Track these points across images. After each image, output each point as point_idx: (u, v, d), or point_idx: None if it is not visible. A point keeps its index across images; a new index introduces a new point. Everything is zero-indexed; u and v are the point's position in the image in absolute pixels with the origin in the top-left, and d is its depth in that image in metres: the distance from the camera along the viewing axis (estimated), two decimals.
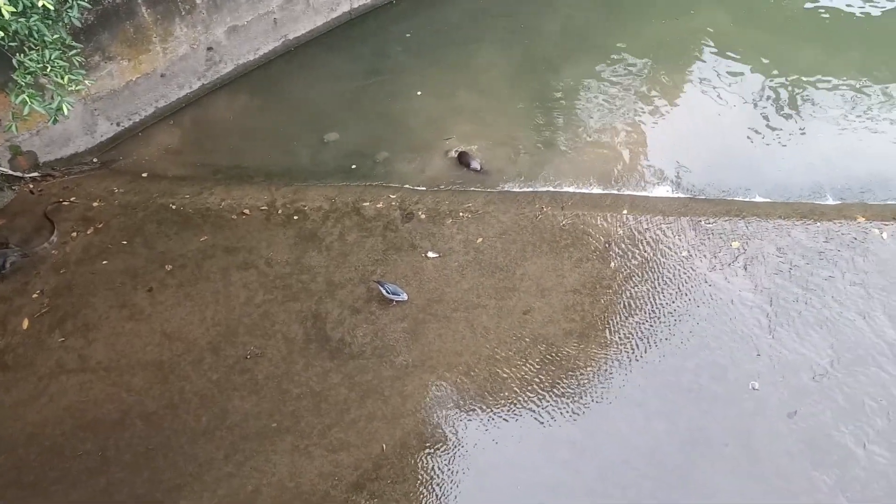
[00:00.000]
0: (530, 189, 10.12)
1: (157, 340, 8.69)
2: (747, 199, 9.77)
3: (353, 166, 10.52)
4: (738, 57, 11.54)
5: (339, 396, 8.18)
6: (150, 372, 8.44)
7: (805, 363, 8.13)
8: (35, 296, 9.11)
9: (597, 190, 10.03)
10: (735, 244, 9.16)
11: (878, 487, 7.30)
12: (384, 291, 8.74)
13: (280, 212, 9.88)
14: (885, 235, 9.05)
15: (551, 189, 10.07)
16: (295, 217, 9.81)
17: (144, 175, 10.53)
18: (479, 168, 10.25)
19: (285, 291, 8.99)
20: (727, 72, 11.37)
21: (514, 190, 10.12)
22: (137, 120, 10.98)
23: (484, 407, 8.04)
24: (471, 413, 8.01)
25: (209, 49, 11.19)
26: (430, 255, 9.28)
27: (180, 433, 7.98)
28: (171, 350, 8.61)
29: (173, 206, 9.97)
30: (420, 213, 9.76)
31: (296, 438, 7.90)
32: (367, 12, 12.46)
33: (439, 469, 7.68)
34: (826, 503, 7.26)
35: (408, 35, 12.10)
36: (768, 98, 10.95)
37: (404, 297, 8.75)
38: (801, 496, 7.32)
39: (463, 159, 10.34)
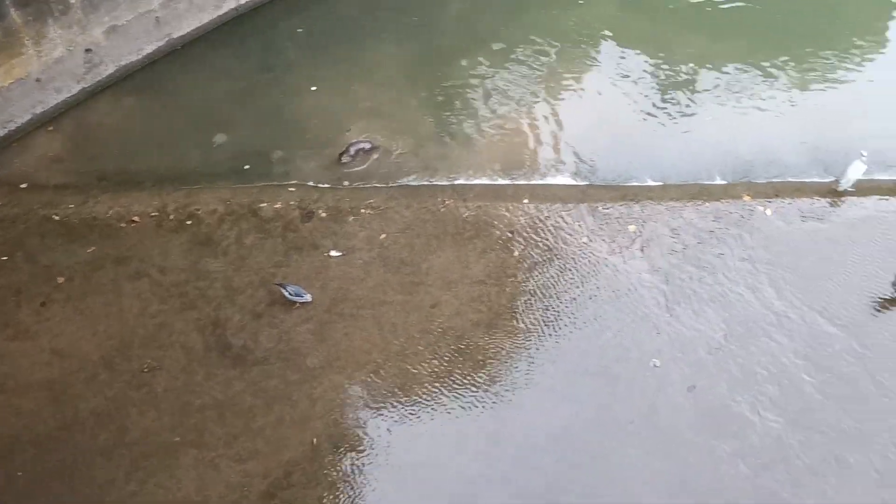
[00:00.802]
0: (432, 182, 10.11)
1: (47, 359, 8.27)
2: (641, 184, 10.08)
3: (247, 167, 10.24)
4: (629, 45, 11.86)
5: (245, 404, 7.97)
6: (40, 392, 8.03)
7: (701, 338, 8.46)
8: None
9: (498, 180, 10.12)
10: (632, 227, 9.44)
11: (773, 452, 7.66)
12: (286, 294, 8.55)
13: (172, 217, 9.52)
14: (769, 212, 9.53)
15: (453, 182, 10.10)
16: (188, 222, 9.48)
17: (24, 186, 9.96)
18: (368, 147, 10.19)
19: (182, 300, 8.69)
20: (619, 60, 11.66)
21: (416, 184, 10.09)
22: (13, 128, 10.36)
23: (396, 404, 8.00)
24: (383, 411, 7.95)
25: (88, 51, 10.65)
26: (333, 253, 9.14)
27: (77, 455, 7.64)
28: (63, 368, 8.21)
29: (57, 218, 9.47)
30: (321, 211, 9.60)
31: (200, 451, 7.66)
32: (256, 7, 12.14)
33: (353, 470, 7.60)
34: (727, 471, 7.57)
35: (300, 30, 11.87)
36: (658, 84, 11.31)
37: (308, 298, 8.59)
38: (704, 466, 7.61)
39: (350, 149, 10.25)
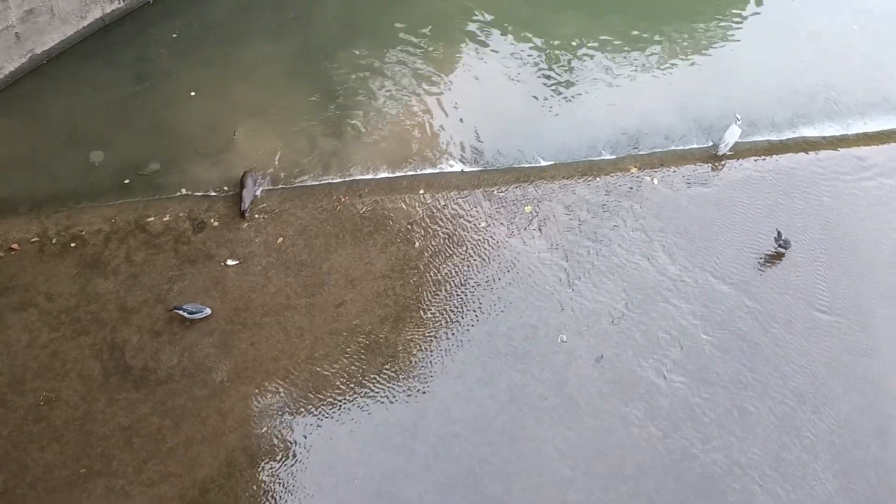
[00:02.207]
0: (325, 181, 9.95)
1: None
2: (533, 165, 10.25)
3: (126, 181, 9.78)
4: (508, 28, 11.97)
5: (152, 427, 7.71)
6: None
7: (604, 309, 8.73)
8: None
9: (391, 174, 10.06)
10: (528, 208, 9.60)
11: (680, 412, 8.03)
12: (185, 314, 8.28)
13: (54, 241, 9.02)
14: (655, 181, 9.88)
15: (346, 178, 9.97)
16: (72, 244, 9.01)
17: None
18: (262, 182, 9.73)
19: (73, 326, 8.29)
20: (501, 44, 11.75)
21: (309, 184, 9.91)
22: None
23: (310, 408, 7.90)
24: (297, 416, 7.84)
25: None
26: (230, 262, 8.91)
27: None
28: None
29: None
30: (212, 220, 9.31)
31: (109, 480, 7.39)
32: (124, 15, 11.51)
33: (272, 479, 7.48)
34: (639, 434, 7.90)
35: (174, 35, 11.34)
36: (541, 66, 11.48)
37: (207, 311, 8.36)
38: (617, 431, 7.90)
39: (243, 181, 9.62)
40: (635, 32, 11.88)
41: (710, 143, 10.34)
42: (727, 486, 7.62)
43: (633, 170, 10.02)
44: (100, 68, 10.91)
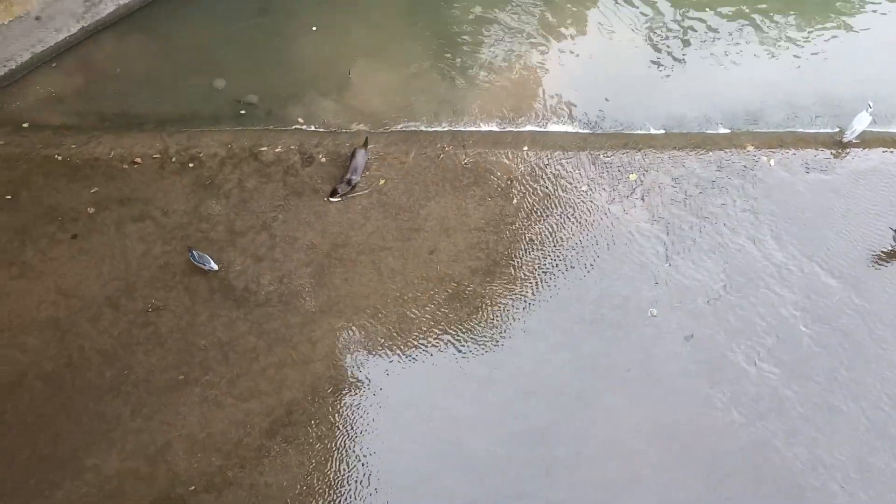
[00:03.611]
0: (431, 128, 9.99)
1: (52, 298, 8.36)
2: (644, 132, 9.97)
3: (243, 111, 10.10)
4: None
5: (247, 345, 8.11)
6: (46, 331, 8.14)
7: (700, 288, 8.52)
8: None
9: (497, 127, 10.00)
10: (633, 176, 9.39)
11: (768, 402, 7.82)
12: (193, 258, 8.49)
13: (174, 160, 9.48)
14: (772, 162, 9.45)
15: (453, 128, 9.99)
16: (190, 165, 9.44)
17: (25, 125, 9.87)
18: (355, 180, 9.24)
19: (185, 242, 8.72)
20: (624, 3, 11.40)
21: (415, 129, 9.98)
22: (14, 66, 10.21)
23: (393, 348, 8.13)
24: (380, 354, 8.09)
25: None
26: (333, 199, 9.12)
27: (83, 391, 7.81)
28: (68, 307, 8.30)
29: (59, 158, 9.43)
30: (321, 156, 9.55)
31: (204, 389, 7.84)
32: None
33: (352, 410, 7.79)
34: (721, 418, 7.74)
35: None
36: (664, 30, 11.03)
37: (213, 266, 8.47)
38: (699, 413, 7.78)
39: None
40: (771, 1, 11.25)
41: (836, 129, 9.74)
42: (806, 483, 7.41)
43: (749, 147, 9.60)
44: None
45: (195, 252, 8.49)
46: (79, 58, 10.56)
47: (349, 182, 9.11)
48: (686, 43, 10.91)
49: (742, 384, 7.93)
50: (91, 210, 9.01)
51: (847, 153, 9.48)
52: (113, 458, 7.43)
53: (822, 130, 9.84)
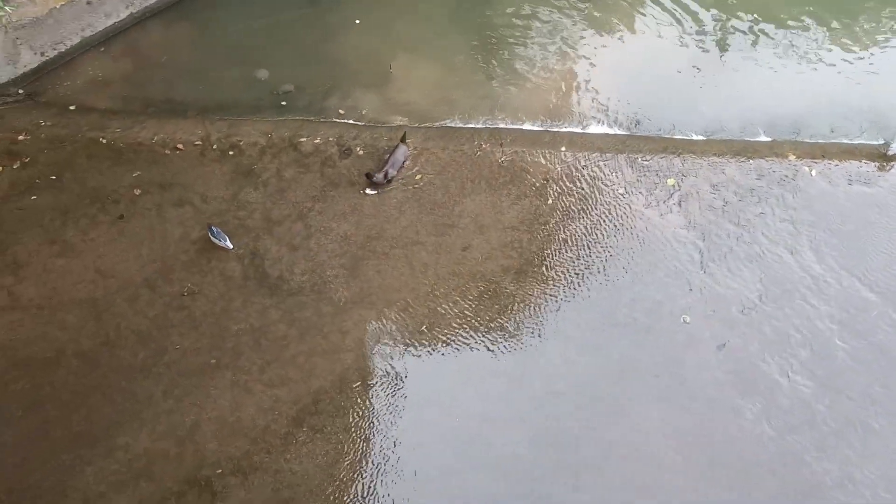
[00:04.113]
0: (469, 125, 10.03)
1: (91, 277, 8.52)
2: (684, 137, 9.88)
3: (284, 103, 10.23)
4: None
5: (279, 332, 8.19)
6: (84, 309, 8.30)
7: (735, 297, 8.41)
8: None
9: (536, 126, 9.99)
10: (671, 181, 9.31)
11: (800, 415, 7.69)
12: (211, 233, 8.63)
13: (215, 147, 9.63)
14: (814, 173, 9.29)
15: (491, 125, 10.01)
16: (230, 152, 9.59)
17: (72, 107, 10.11)
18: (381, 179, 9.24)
19: (222, 228, 8.82)
20: (667, 7, 11.30)
21: (453, 126, 10.02)
22: (63, 50, 10.47)
23: (422, 342, 8.15)
24: (409, 348, 8.12)
25: None
26: (369, 191, 9.19)
27: (117, 370, 7.93)
28: (106, 287, 8.46)
29: (104, 141, 9.63)
30: (358, 148, 9.63)
31: (235, 374, 7.92)
32: None
33: (378, 403, 7.82)
34: (751, 430, 7.63)
35: None
36: (709, 35, 10.97)
37: (229, 245, 8.64)
38: (728, 423, 7.67)
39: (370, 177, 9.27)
40: (821, 11, 11.05)
41: (882, 142, 9.55)
42: (834, 499, 7.27)
43: (791, 157, 9.46)
44: None
45: (214, 228, 8.65)
46: (126, 43, 10.80)
47: (386, 175, 9.16)
48: (730, 49, 10.78)
49: (774, 396, 7.82)
50: (137, 192, 9.19)
51: (892, 166, 9.30)
52: (143, 437, 7.54)
53: (866, 142, 9.67)
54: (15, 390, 7.75)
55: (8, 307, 8.27)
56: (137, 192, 9.20)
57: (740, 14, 11.16)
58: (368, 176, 9.16)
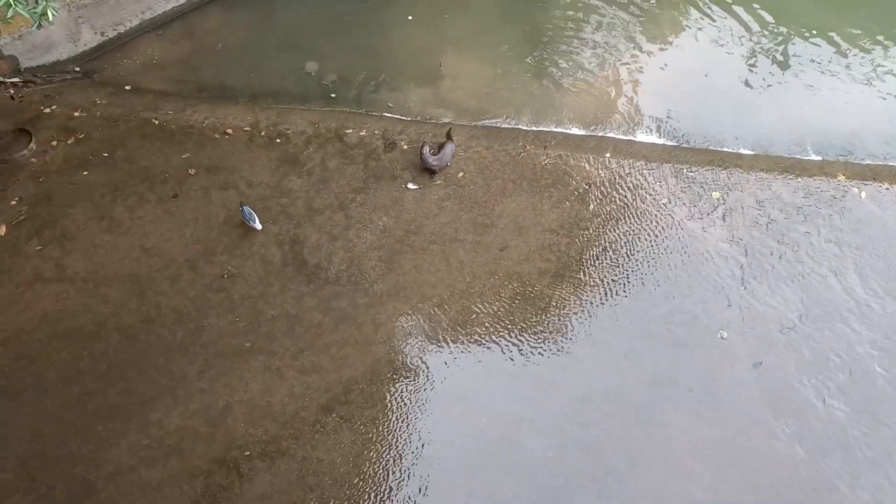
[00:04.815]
0: (515, 126, 10.02)
1: (136, 254, 8.69)
2: (731, 150, 9.75)
3: (333, 95, 10.32)
4: (735, 4, 11.31)
5: (314, 320, 8.27)
6: (127, 285, 8.47)
7: (775, 316, 8.29)
8: (13, 203, 9.04)
9: (582, 131, 9.95)
10: (716, 194, 9.18)
11: (834, 440, 7.55)
12: (243, 213, 8.74)
13: (263, 134, 9.77)
14: (863, 195, 9.09)
15: (536, 127, 9.99)
16: (278, 140, 9.71)
17: (128, 88, 10.33)
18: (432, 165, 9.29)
19: (265, 214, 8.96)
20: (722, 18, 11.15)
21: (499, 126, 10.02)
22: (122, 31, 10.71)
23: (454, 339, 8.17)
24: (441, 344, 8.14)
25: None
26: (411, 186, 9.25)
27: (155, 347, 8.07)
28: (150, 265, 8.62)
29: (156, 121, 9.83)
30: (403, 143, 9.68)
31: (269, 358, 8.03)
32: None
33: (408, 397, 7.85)
34: (782, 451, 7.52)
35: None
36: (761, 49, 10.80)
37: (258, 226, 8.76)
38: (760, 441, 7.57)
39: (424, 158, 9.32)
40: (880, 31, 10.81)
41: None
42: None
43: (841, 177, 9.27)
44: None
45: (246, 208, 8.77)
46: (184, 28, 11.00)
47: (431, 168, 9.20)
48: (784, 64, 10.60)
49: (808, 419, 7.69)
50: (192, 171, 9.37)
51: None
52: (176, 414, 7.68)
53: None
54: (56, 360, 7.95)
55: (55, 279, 8.49)
56: (192, 171, 9.38)
57: (797, 31, 10.95)
58: (422, 155, 9.14)
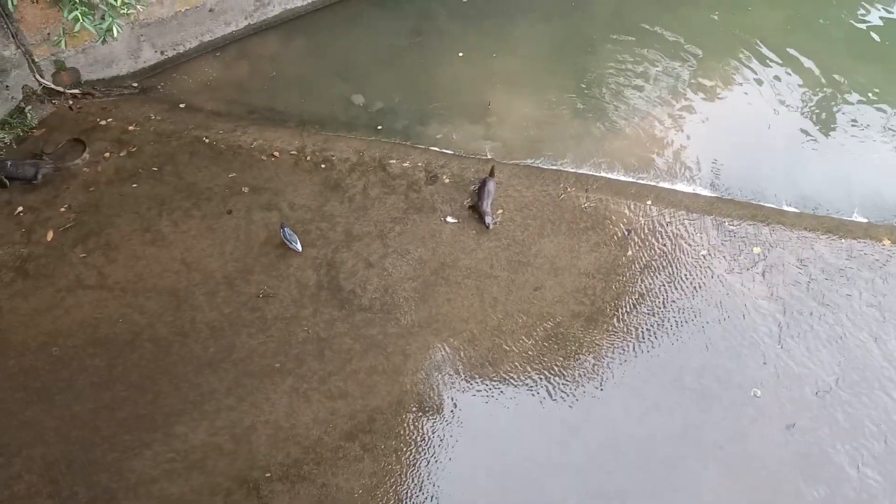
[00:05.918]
0: (557, 167, 10.06)
1: (176, 268, 8.83)
2: (775, 206, 9.66)
3: (379, 127, 10.47)
4: (786, 62, 11.33)
5: (343, 346, 8.30)
6: (165, 298, 8.59)
7: (810, 377, 8.12)
8: (62, 210, 9.28)
9: (624, 176, 9.95)
10: (756, 249, 9.09)
11: None
12: (283, 234, 8.83)
13: (308, 158, 9.93)
14: None
15: (578, 170, 10.01)
16: (322, 165, 9.86)
17: (182, 106, 10.61)
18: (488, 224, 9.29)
19: (304, 237, 9.06)
20: (772, 75, 11.15)
21: (541, 166, 10.05)
22: (181, 51, 11.03)
23: (483, 376, 8.13)
24: (469, 380, 8.10)
25: None
26: (449, 220, 9.30)
27: (187, 361, 8.15)
28: (188, 279, 8.74)
29: (207, 140, 10.06)
30: (444, 176, 9.76)
31: (296, 381, 8.05)
32: None
33: (431, 430, 7.81)
34: None
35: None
36: (810, 107, 10.75)
37: (298, 248, 8.85)
38: None
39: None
40: None
41: None
42: None
43: (886, 242, 9.11)
44: (386, 16, 11.77)
45: (287, 229, 8.88)
46: (240, 52, 11.30)
47: (479, 210, 9.21)
48: (833, 123, 10.53)
49: (840, 486, 7.47)
50: (245, 189, 9.54)
51: None
52: (202, 429, 7.72)
53: None
54: (90, 366, 8.07)
55: (95, 286, 8.66)
56: (245, 189, 9.55)
57: (849, 92, 10.89)
58: (476, 210, 9.23)
